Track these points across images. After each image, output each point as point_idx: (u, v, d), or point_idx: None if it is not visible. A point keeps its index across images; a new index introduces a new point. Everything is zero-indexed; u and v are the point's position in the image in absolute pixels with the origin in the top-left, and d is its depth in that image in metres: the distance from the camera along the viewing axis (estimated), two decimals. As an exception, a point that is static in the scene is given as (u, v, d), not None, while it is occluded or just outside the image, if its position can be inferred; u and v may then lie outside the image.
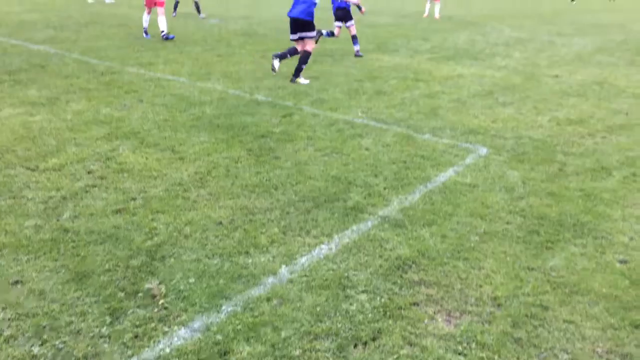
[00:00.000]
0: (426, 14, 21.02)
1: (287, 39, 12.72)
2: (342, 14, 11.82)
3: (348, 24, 11.82)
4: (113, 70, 9.12)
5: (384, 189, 4.85)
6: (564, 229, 4.21)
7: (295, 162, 5.38)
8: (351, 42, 11.92)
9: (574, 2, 33.61)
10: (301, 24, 8.90)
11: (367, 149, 5.87)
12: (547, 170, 5.44)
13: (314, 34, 9.15)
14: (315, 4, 8.93)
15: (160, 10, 12.26)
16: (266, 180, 4.92)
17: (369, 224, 4.18)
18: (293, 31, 9.09)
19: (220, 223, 4.05)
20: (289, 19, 9.12)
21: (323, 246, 3.81)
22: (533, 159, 5.75)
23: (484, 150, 5.98)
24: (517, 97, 8.52)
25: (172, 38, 12.45)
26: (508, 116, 7.40)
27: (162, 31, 12.39)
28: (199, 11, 17.61)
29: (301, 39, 9.02)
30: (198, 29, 14.89)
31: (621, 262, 3.76)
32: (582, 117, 7.47)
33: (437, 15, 20.53)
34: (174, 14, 17.31)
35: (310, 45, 9.00)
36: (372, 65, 10.60)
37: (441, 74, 10.05)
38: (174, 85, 8.26)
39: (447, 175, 5.22)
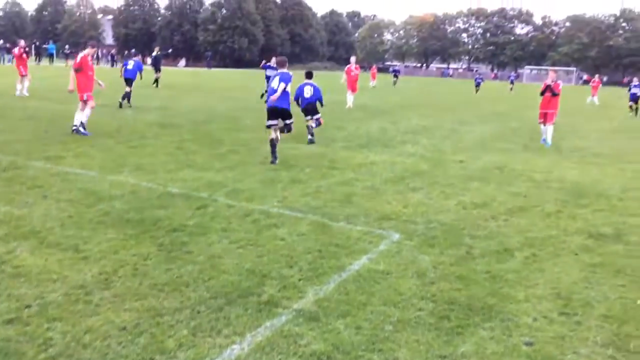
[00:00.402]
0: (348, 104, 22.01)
1: (203, 130, 12.82)
2: (311, 108, 12.72)
3: (316, 116, 12.67)
4: (17, 165, 8.72)
5: (299, 280, 4.81)
6: (473, 312, 4.31)
7: (208, 256, 5.26)
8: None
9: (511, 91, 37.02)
10: (287, 113, 10.25)
11: (282, 239, 5.85)
12: (456, 254, 5.64)
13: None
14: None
15: (90, 103, 11.92)
16: (177, 277, 4.74)
17: (283, 318, 4.09)
18: (274, 118, 10.18)
19: (124, 328, 3.81)
20: (269, 107, 10.17)
21: (235, 346, 3.66)
22: (442, 243, 5.95)
23: (396, 236, 6.13)
24: (426, 182, 8.93)
25: (86, 134, 11.81)
26: (418, 201, 7.71)
27: (81, 123, 11.83)
28: (129, 99, 17.70)
29: (285, 124, 10.39)
30: (112, 119, 14.71)
31: (527, 344, 3.87)
32: (486, 201, 7.91)
33: (350, 104, 21.62)
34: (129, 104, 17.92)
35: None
36: (287, 154, 10.82)
37: (355, 162, 10.42)
38: (82, 179, 7.98)
39: (361, 263, 5.28)
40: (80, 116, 11.89)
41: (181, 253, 5.31)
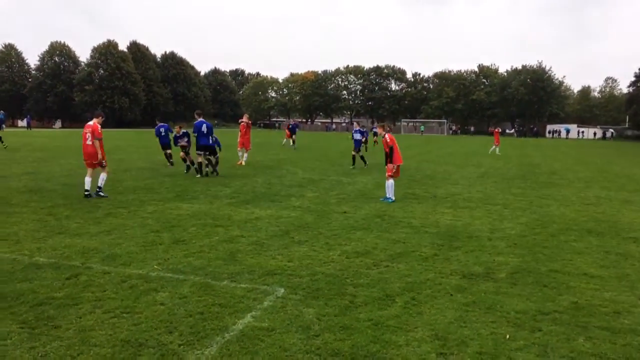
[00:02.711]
0: (242, 161, 21.90)
1: (78, 193, 12.17)
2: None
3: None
4: None
5: (179, 346, 4.58)
6: (357, 362, 4.34)
7: (78, 329, 4.85)
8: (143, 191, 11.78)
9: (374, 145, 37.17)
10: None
11: (162, 304, 5.57)
12: (340, 304, 5.70)
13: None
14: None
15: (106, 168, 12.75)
16: (41, 356, 4.32)
17: (161, 390, 3.84)
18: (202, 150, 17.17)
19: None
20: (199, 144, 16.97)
21: None
22: (327, 294, 6.00)
23: (281, 291, 6.09)
24: (311, 235, 9.04)
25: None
26: (303, 254, 7.76)
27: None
28: None
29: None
30: (-28, 187, 13.43)
31: (408, 387, 3.95)
32: (368, 249, 8.15)
33: (243, 161, 21.67)
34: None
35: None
36: (170, 215, 10.49)
37: (240, 218, 10.32)
38: None
39: (245, 321, 5.15)
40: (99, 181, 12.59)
41: (47, 329, 4.86)
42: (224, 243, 8.30)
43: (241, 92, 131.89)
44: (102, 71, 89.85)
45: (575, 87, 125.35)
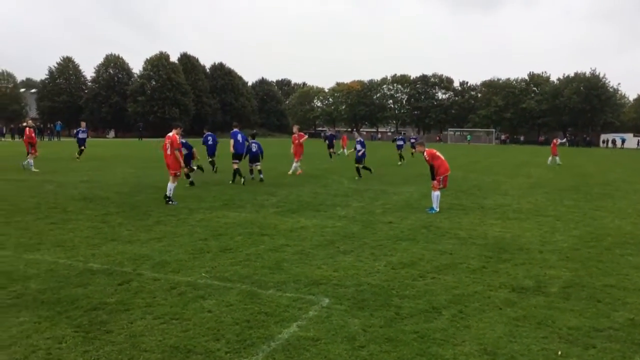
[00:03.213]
0: (290, 172, 22.15)
1: (130, 202, 12.55)
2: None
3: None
4: None
5: (226, 353, 4.65)
6: (403, 375, 4.29)
7: (129, 334, 5.00)
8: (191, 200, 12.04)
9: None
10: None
11: (209, 311, 5.68)
12: (385, 315, 5.66)
13: None
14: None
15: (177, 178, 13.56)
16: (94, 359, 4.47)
17: (208, 396, 3.90)
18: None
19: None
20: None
21: None
22: (372, 305, 5.97)
23: (326, 301, 6.09)
24: (356, 245, 9.02)
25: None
26: (348, 264, 7.75)
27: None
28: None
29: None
30: (32, 195, 14.09)
31: (455, 403, 3.87)
32: (414, 260, 8.06)
33: (296, 171, 21.90)
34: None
35: None
36: (217, 223, 10.68)
37: (285, 227, 10.41)
38: (-5, 260, 7.50)
39: (290, 331, 5.18)
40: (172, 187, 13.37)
41: (100, 333, 5.03)
42: (269, 252, 8.39)
43: (287, 101, 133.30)
44: (154, 82, 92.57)
45: (631, 95, 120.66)
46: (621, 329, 5.39)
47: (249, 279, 6.88)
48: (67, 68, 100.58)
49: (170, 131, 13.71)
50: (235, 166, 18.13)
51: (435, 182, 12.81)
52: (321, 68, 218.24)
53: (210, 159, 21.33)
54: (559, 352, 4.79)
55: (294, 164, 22.28)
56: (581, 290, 6.70)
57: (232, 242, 9.04)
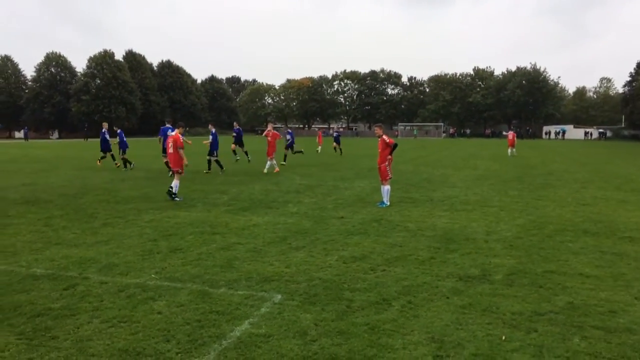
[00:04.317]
0: (265, 170, 21.90)
1: (75, 204, 12.20)
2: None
3: None
4: None
5: (177, 354, 4.60)
6: (354, 366, 4.37)
7: (76, 339, 4.87)
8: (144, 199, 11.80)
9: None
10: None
11: (159, 313, 5.59)
12: (337, 309, 5.72)
13: None
14: None
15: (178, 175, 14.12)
16: (38, 367, 4.33)
17: (159, 398, 3.85)
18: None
19: None
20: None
21: None
22: (324, 300, 6.02)
23: (278, 297, 6.11)
24: (308, 241, 9.07)
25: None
26: (300, 260, 7.78)
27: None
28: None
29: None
30: (-30, 200, 13.45)
31: (404, 390, 3.97)
32: (365, 253, 8.18)
33: (272, 169, 21.79)
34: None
35: None
36: (167, 223, 10.51)
37: (237, 225, 10.35)
38: None
39: (242, 328, 5.17)
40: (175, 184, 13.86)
41: (45, 339, 4.88)
42: (221, 250, 8.32)
43: (238, 99, 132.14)
44: (98, 81, 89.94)
45: (571, 88, 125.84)
46: (561, 312, 5.64)
47: (200, 279, 6.81)
48: (5, 67, 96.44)
49: (175, 131, 14.55)
50: (165, 159, 19.07)
51: (388, 170, 12.98)
52: (271, 65, 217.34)
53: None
54: (503, 337, 4.98)
55: (268, 163, 22.11)
56: (524, 276, 6.97)
57: (182, 242, 8.92)
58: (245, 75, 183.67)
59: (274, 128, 22.85)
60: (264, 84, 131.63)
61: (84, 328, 5.16)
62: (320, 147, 40.35)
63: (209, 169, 21.49)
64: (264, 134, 22.92)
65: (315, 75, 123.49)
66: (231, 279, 6.81)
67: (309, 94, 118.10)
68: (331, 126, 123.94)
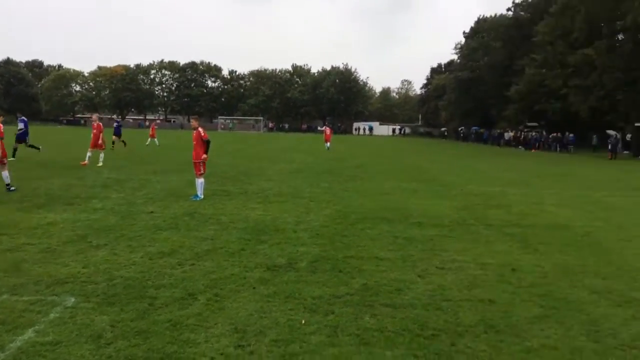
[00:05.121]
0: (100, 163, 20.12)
1: None
2: None
3: None
4: None
5: (-62, 375, 3.96)
6: (151, 366, 4.19)
7: None
8: None
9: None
10: None
11: None
12: (138, 308, 5.45)
13: None
14: None
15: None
16: None
17: None
18: None
19: None
20: None
21: None
22: (124, 299, 5.69)
23: (71, 300, 5.62)
24: (112, 238, 8.51)
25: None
26: (101, 259, 7.26)
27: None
28: None
29: None
30: None
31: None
32: (174, 248, 7.93)
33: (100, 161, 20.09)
34: None
35: None
36: (-61, 225, 9.04)
37: (29, 224, 9.30)
38: None
39: (25, 338, 4.65)
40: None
41: None
42: (6, 253, 7.40)
43: (39, 85, 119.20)
44: None
45: (378, 88, 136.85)
46: (356, 294, 6.08)
47: (-24, 286, 5.97)
48: None
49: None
50: None
51: (203, 165, 12.79)
52: (82, 51, 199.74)
53: None
54: (303, 321, 5.20)
55: (101, 155, 20.58)
56: (326, 263, 7.37)
57: (-43, 245, 7.74)
58: (48, 60, 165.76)
59: (99, 119, 21.23)
60: (71, 70, 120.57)
61: None
62: (151, 140, 37.21)
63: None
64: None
65: (131, 63, 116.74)
66: (16, 284, 6.09)
67: (123, 83, 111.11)
68: (148, 117, 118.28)
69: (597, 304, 5.99)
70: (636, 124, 43.12)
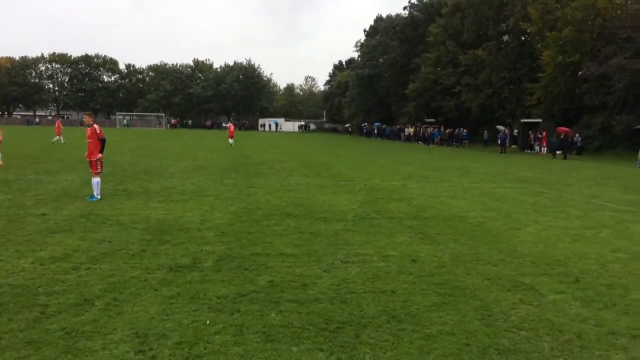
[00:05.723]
0: None
1: None
2: None
3: None
4: None
5: None
6: (43, 378, 3.93)
7: None
8: None
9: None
10: None
11: None
12: (28, 317, 5.09)
13: None
14: None
15: None
16: None
17: None
18: None
19: None
20: None
21: None
22: (12, 309, 5.29)
23: (-50, 314, 5.13)
24: (-2, 243, 7.88)
25: None
26: (-16, 267, 6.70)
27: None
28: None
29: None
30: None
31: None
32: (67, 252, 7.48)
33: None
34: None
35: None
36: None
37: None
38: None
39: None
40: None
41: None
42: None
43: None
44: None
45: (282, 84, 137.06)
46: (262, 291, 6.07)
47: None
48: None
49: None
50: None
51: (100, 164, 12.18)
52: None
53: None
54: (208, 322, 5.11)
55: None
56: (232, 261, 7.29)
57: None
58: None
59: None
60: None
61: None
62: (57, 138, 34.49)
63: None
64: None
65: (17, 55, 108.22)
66: None
67: (8, 77, 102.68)
68: (38, 114, 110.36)
69: (490, 290, 6.42)
70: (522, 120, 46.78)
